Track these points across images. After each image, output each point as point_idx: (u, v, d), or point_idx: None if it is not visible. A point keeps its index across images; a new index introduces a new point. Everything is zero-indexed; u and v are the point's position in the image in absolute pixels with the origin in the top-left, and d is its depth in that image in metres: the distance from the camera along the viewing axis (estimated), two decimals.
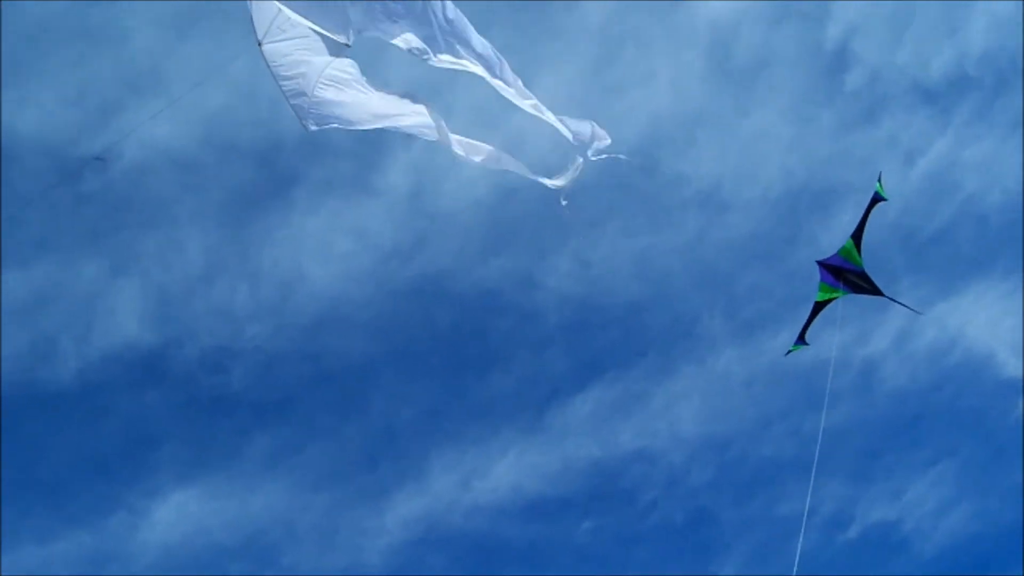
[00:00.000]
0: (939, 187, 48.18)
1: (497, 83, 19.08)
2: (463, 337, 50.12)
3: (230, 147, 45.96)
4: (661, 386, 48.79)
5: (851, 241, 29.81)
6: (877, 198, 29.81)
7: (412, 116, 19.66)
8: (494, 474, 47.66)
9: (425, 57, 18.43)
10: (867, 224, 29.82)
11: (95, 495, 43.86)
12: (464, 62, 18.85)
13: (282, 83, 18.42)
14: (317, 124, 18.95)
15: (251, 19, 17.93)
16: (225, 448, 47.09)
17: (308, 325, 47.87)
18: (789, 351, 31.69)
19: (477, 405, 49.20)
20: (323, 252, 47.96)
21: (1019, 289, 46.77)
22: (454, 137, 20.01)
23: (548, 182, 20.17)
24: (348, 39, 18.22)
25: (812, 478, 26.50)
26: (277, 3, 17.67)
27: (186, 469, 45.95)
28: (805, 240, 47.31)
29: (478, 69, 18.93)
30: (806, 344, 31.29)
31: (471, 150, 19.73)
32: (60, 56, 42.00)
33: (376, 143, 47.41)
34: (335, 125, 19.04)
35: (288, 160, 47.02)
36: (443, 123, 19.71)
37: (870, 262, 44.55)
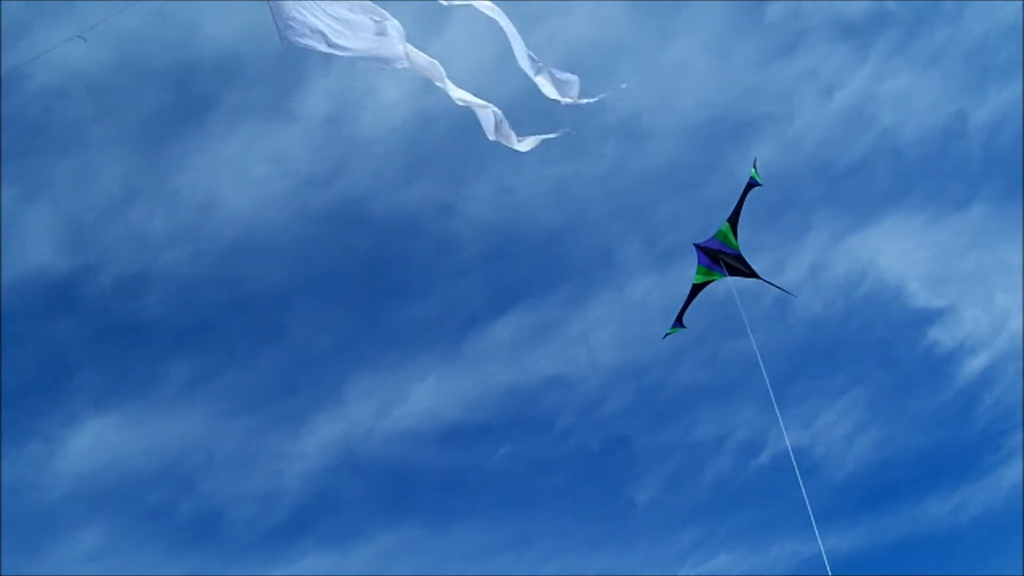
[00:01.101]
0: (855, 120, 48.56)
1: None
2: (381, 264, 50.44)
3: (144, 70, 45.30)
4: (579, 313, 49.34)
5: (727, 224, 29.96)
6: (752, 183, 29.94)
7: (379, 46, 18.95)
8: (412, 400, 48.35)
9: None
10: (743, 207, 29.94)
11: (10, 424, 43.79)
12: None
13: None
14: (293, 38, 18.25)
15: None
16: (141, 375, 47.47)
17: (224, 251, 47.86)
18: (667, 334, 32.09)
19: (395, 332, 49.64)
20: (239, 177, 47.72)
21: (931, 221, 47.65)
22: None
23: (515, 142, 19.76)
24: None
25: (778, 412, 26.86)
26: None
27: (102, 397, 46.29)
28: (723, 170, 47.57)
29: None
30: (683, 327, 31.65)
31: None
32: None
33: (294, 67, 46.83)
34: (310, 44, 18.32)
35: (203, 84, 46.44)
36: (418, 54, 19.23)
37: (785, 195, 45.06)
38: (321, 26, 18.31)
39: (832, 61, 48.36)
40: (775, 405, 26.62)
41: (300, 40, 18.29)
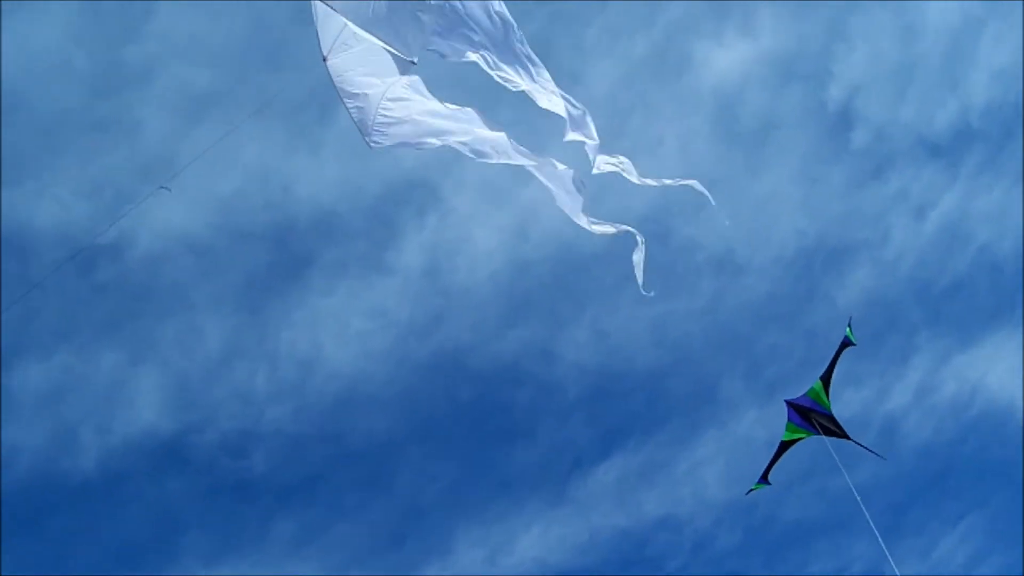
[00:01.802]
0: (951, 239, 48.27)
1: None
2: (484, 411, 50.56)
3: (243, 231, 46.74)
4: (684, 452, 48.89)
5: (820, 383, 29.77)
6: (847, 342, 29.78)
7: (475, 132, 18.78)
8: (520, 548, 47.98)
9: (501, 77, 17.95)
10: (836, 367, 29.78)
11: None
12: (525, 85, 18.24)
13: (346, 100, 18.00)
14: (380, 141, 18.31)
15: (316, 34, 17.78)
16: (250, 532, 47.92)
17: (328, 405, 48.40)
18: (750, 490, 31.69)
19: (501, 479, 49.67)
20: (340, 332, 48.51)
21: None
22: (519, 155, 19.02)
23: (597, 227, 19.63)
24: (414, 56, 17.86)
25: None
26: (343, 18, 17.48)
27: (213, 554, 46.62)
28: (821, 298, 47.44)
29: (546, 101, 18.42)
30: (768, 483, 31.21)
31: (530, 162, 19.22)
32: (74, 149, 42.83)
33: (388, 222, 47.91)
34: (399, 143, 18.39)
35: (301, 241, 47.69)
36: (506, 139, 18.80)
37: (887, 319, 44.37)
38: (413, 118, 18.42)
39: (922, 182, 48.25)
40: (880, 541, 26.18)
41: (387, 143, 18.37)
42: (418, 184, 47.85)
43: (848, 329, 29.86)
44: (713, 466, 48.58)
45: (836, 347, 30.29)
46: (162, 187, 17.12)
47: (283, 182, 46.40)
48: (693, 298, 48.90)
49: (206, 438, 46.88)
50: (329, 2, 17.27)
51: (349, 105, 17.93)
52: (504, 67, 17.76)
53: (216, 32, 43.22)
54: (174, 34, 42.87)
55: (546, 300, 49.18)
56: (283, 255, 47.72)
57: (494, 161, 18.54)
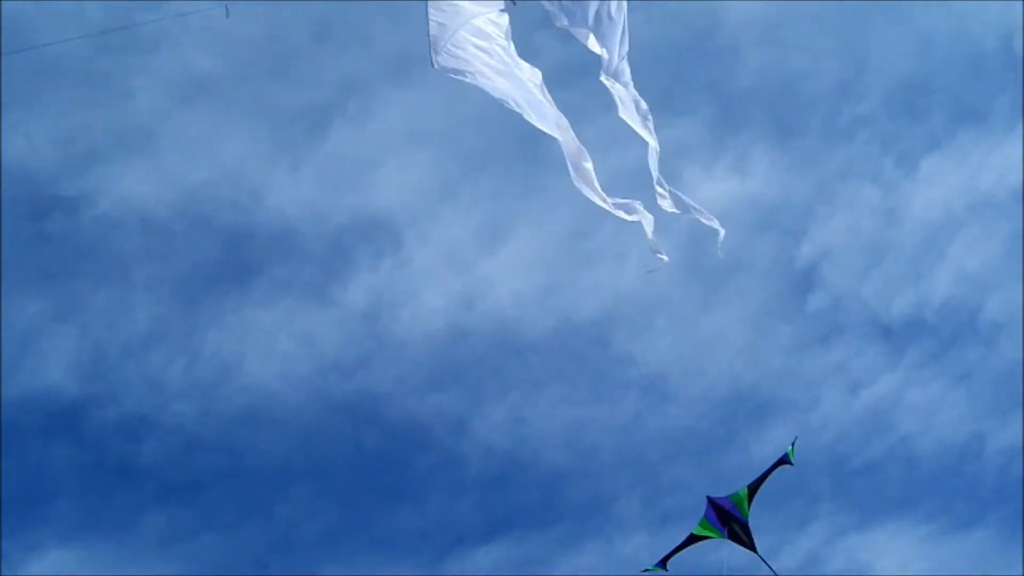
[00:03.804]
0: (877, 422, 48.63)
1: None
2: (383, 465, 49.96)
3: (204, 223, 46.44)
4: (564, 557, 48.23)
5: (746, 490, 30.03)
6: (785, 460, 30.16)
7: (538, 112, 18.03)
8: None
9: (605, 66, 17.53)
10: (766, 480, 30.13)
11: None
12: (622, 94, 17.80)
13: (431, 10, 17.18)
14: (445, 64, 17.39)
15: None
16: (119, 519, 46.53)
17: (234, 415, 47.63)
18: (646, 570, 31.57)
19: (380, 535, 48.80)
20: (267, 348, 48.06)
21: (934, 536, 47.14)
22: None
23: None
24: None
25: None
26: None
27: (73, 530, 45.31)
28: (738, 446, 47.65)
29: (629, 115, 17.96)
30: (665, 569, 31.17)
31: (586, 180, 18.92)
32: (61, 95, 42.60)
33: (344, 254, 47.90)
34: (463, 76, 17.47)
35: (256, 250, 47.58)
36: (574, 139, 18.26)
37: (796, 480, 44.77)
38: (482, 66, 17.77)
39: (864, 359, 49.05)
40: None
41: (450, 66, 17.51)
42: (384, 226, 48.17)
43: (790, 448, 30.18)
44: None
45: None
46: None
47: (255, 187, 46.46)
48: (616, 411, 49.17)
49: (105, 413, 46.01)
50: None
51: (432, 17, 17.21)
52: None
53: (233, 24, 43.31)
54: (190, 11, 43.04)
55: (475, 373, 49.30)
56: (234, 257, 47.65)
57: (538, 125, 18.21)
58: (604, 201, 18.67)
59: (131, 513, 46.80)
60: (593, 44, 17.51)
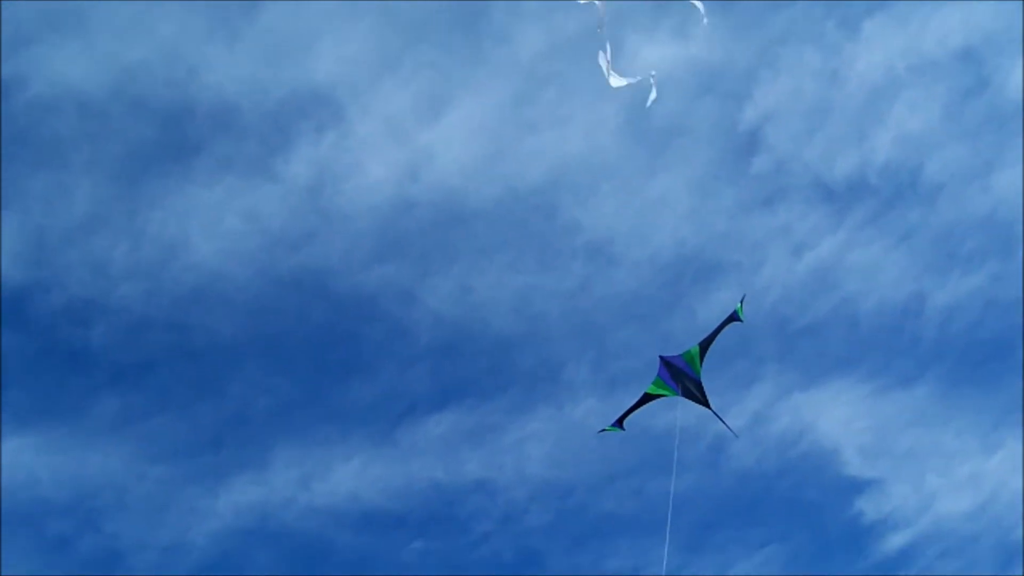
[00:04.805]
0: (820, 283, 49.62)
1: None
2: (333, 338, 50.13)
3: (140, 102, 45.70)
4: (516, 423, 49.15)
5: (697, 348, 30.46)
6: (735, 317, 30.53)
7: None
8: (335, 478, 47.73)
9: None
10: (717, 338, 30.55)
11: None
12: None
13: None
14: None
15: None
16: (72, 403, 46.70)
17: (182, 295, 47.50)
18: (603, 430, 32.18)
19: (332, 407, 49.33)
20: (211, 226, 47.60)
21: (876, 393, 48.33)
22: None
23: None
24: None
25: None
26: None
27: (27, 417, 45.30)
28: (683, 308, 48.37)
29: None
30: (622, 429, 31.78)
31: None
32: None
33: (286, 128, 47.37)
34: None
35: (196, 129, 46.83)
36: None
37: (740, 342, 45.59)
38: None
39: (807, 222, 49.64)
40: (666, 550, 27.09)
41: None
42: (325, 100, 47.53)
43: (739, 305, 30.56)
44: (540, 443, 49.06)
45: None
46: None
47: (192, 64, 45.58)
48: (562, 278, 49.57)
49: (51, 299, 45.72)
50: None
51: None
52: None
53: None
54: None
55: (421, 244, 49.36)
56: (173, 136, 46.85)
57: None
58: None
59: (83, 397, 47.05)
60: None
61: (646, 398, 31.38)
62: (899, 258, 49.40)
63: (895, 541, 47.24)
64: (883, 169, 49.23)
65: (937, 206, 49.14)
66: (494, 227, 49.04)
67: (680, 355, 30.69)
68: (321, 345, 49.91)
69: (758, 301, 48.38)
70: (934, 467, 47.68)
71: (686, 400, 30.96)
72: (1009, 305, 47.19)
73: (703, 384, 30.71)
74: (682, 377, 30.65)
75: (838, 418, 48.99)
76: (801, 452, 48.82)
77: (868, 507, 47.68)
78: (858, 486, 48.17)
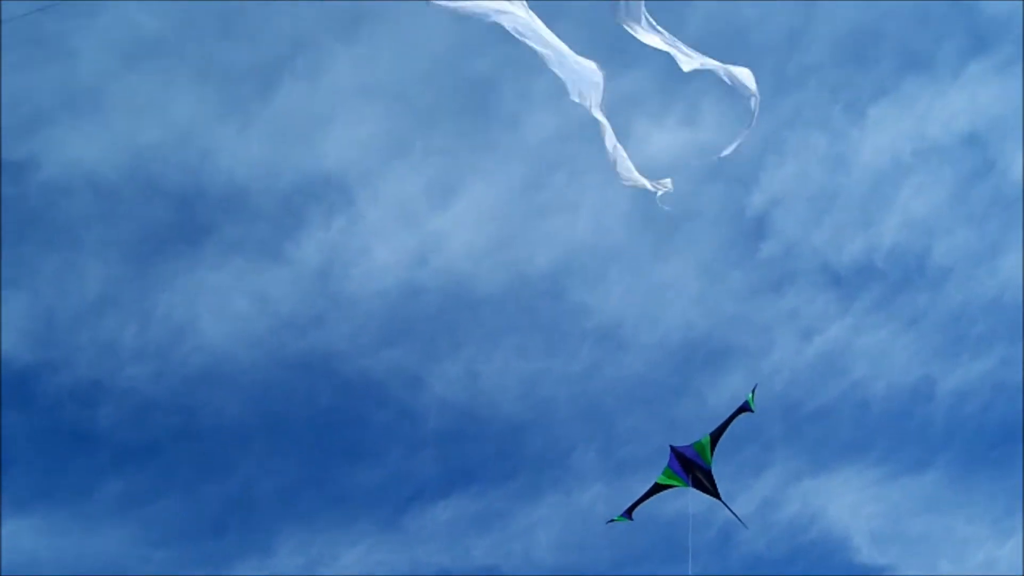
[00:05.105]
0: (829, 367, 49.39)
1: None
2: (340, 421, 50.04)
3: (153, 185, 46.05)
4: (523, 509, 48.65)
5: (708, 438, 30.37)
6: (745, 407, 30.48)
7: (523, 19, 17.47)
8: (341, 564, 47.07)
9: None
10: (729, 428, 30.49)
11: None
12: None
13: None
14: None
15: None
16: (75, 484, 46.32)
17: (189, 376, 47.40)
18: (612, 520, 32.02)
19: (339, 492, 48.81)
20: (220, 308, 47.83)
21: (887, 478, 47.90)
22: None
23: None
24: None
25: None
26: None
27: (29, 497, 44.97)
28: (692, 393, 48.15)
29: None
30: (630, 519, 31.58)
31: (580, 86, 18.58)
32: (5, 57, 41.85)
33: (296, 212, 47.63)
34: (456, 8, 16.95)
35: (207, 211, 47.22)
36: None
37: (749, 427, 45.30)
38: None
39: (815, 306, 49.68)
40: None
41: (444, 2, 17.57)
42: (336, 184, 47.90)
43: (751, 395, 30.50)
44: (548, 530, 48.37)
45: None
46: None
47: (204, 147, 46.06)
48: (571, 362, 49.50)
49: (58, 379, 45.72)
50: None
51: None
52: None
53: None
54: None
55: (429, 328, 49.39)
56: (184, 219, 47.26)
57: (529, 43, 17.83)
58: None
59: (87, 478, 46.67)
60: None
61: (656, 488, 31.25)
62: (908, 342, 49.42)
63: None
64: (890, 253, 49.52)
65: (945, 290, 49.37)
66: (502, 311, 49.21)
67: (691, 445, 30.58)
68: (328, 429, 49.84)
69: (767, 386, 48.05)
70: (946, 554, 47.07)
71: (696, 491, 30.79)
72: (1019, 389, 46.88)
73: (713, 475, 30.55)
74: (692, 467, 30.51)
75: (848, 504, 48.52)
76: (811, 539, 48.31)
77: None
78: (869, 573, 47.67)
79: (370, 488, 49.14)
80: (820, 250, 49.45)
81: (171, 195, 46.34)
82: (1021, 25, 45.89)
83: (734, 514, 31.25)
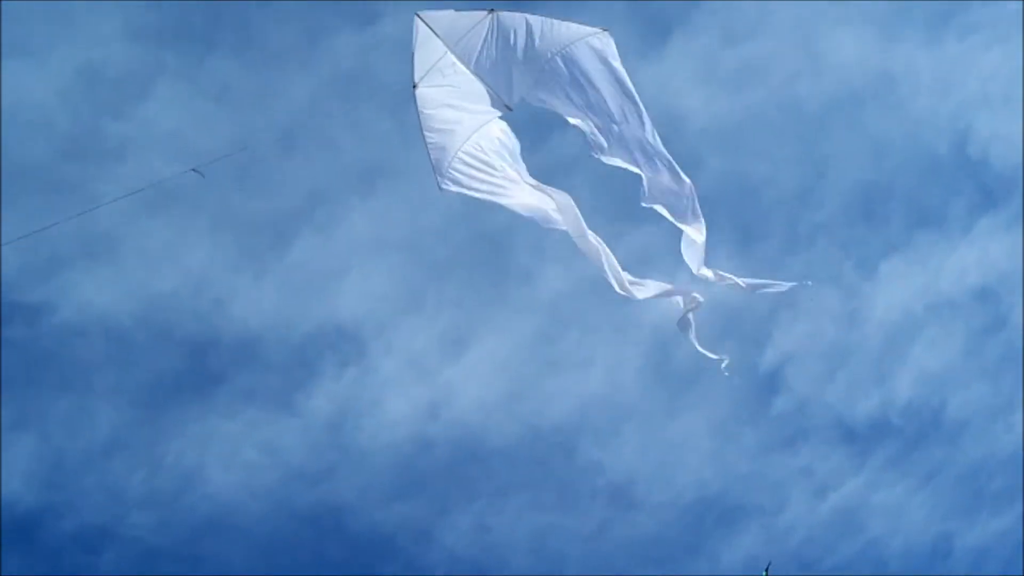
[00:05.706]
0: (844, 525, 48.66)
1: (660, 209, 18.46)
2: (348, 575, 49.18)
3: (166, 332, 46.25)
4: None
5: None
6: None
7: (553, 212, 18.03)
8: None
9: (594, 151, 17.50)
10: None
11: None
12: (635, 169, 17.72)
13: (427, 133, 17.16)
14: (452, 185, 17.54)
15: (412, 58, 16.99)
16: None
17: (195, 525, 46.71)
18: None
19: None
20: (229, 458, 47.37)
21: None
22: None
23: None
24: (511, 101, 17.36)
25: None
26: (445, 46, 16.94)
27: None
28: (706, 554, 47.47)
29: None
30: None
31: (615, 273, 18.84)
32: (26, 202, 42.56)
33: (308, 363, 47.79)
34: (470, 193, 17.60)
35: (219, 360, 47.28)
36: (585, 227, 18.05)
37: None
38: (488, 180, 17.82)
39: (830, 463, 49.17)
40: None
41: (456, 189, 17.66)
42: (349, 336, 48.08)
43: (765, 572, 30.12)
44: None
45: None
46: (195, 170, 16.51)
47: (218, 296, 46.45)
48: (582, 519, 48.75)
49: (62, 524, 45.04)
50: (434, 25, 16.92)
51: (429, 140, 17.33)
52: (613, 146, 17.57)
53: (200, 132, 44.02)
54: (157, 122, 43.72)
55: (439, 482, 48.84)
56: (196, 367, 47.30)
57: (557, 228, 18.13)
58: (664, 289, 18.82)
59: None
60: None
61: None
62: (925, 499, 48.91)
63: None
64: (905, 409, 49.30)
65: (961, 445, 49.04)
66: (513, 466, 48.83)
67: None
68: None
69: (781, 543, 47.71)
70: None
71: None
72: None
73: None
74: None
75: None
76: None
77: None
78: None
79: None
80: (834, 406, 49.39)
81: (184, 343, 46.51)
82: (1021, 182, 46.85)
83: None
